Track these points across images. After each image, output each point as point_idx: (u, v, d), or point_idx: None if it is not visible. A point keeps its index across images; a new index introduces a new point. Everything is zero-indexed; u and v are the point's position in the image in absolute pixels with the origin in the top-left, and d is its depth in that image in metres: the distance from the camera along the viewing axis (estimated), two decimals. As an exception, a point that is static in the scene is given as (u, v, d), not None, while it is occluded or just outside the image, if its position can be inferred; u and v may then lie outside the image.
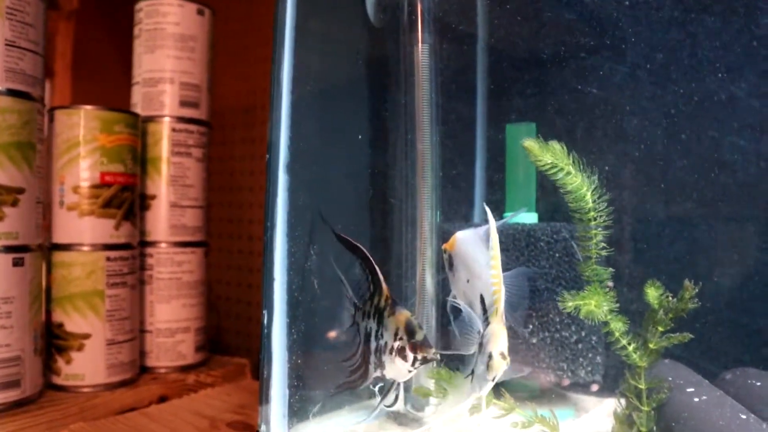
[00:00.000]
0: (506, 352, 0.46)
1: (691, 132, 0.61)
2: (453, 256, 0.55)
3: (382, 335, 0.50)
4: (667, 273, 0.56)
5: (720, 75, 0.59)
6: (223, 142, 1.25)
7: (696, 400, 0.54)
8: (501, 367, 0.45)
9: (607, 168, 0.64)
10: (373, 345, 0.51)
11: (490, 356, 0.45)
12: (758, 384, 0.58)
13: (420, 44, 0.62)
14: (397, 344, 0.48)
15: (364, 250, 0.51)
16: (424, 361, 0.47)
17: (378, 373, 0.51)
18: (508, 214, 0.67)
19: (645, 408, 0.56)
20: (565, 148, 0.53)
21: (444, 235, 0.62)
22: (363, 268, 0.52)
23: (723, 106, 0.59)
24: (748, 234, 0.61)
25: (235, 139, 1.25)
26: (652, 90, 0.63)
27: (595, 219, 0.55)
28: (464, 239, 0.53)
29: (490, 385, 0.47)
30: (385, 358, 0.49)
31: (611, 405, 0.62)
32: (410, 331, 0.47)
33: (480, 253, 0.51)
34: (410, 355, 0.47)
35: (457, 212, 0.69)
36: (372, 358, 0.51)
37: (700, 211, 0.63)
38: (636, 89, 0.64)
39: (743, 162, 0.59)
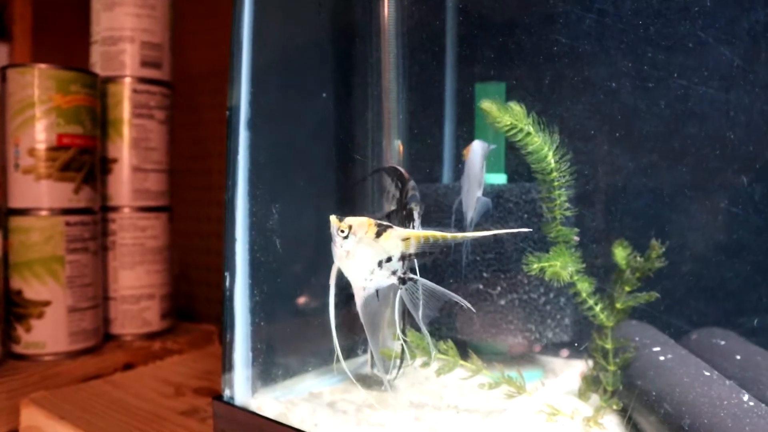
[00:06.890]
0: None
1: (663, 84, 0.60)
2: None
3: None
4: (634, 230, 0.56)
5: (693, 23, 0.57)
6: (191, 109, 1.21)
7: (662, 358, 0.54)
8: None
9: (578, 127, 0.62)
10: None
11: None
12: (722, 343, 0.59)
13: (387, -3, 0.59)
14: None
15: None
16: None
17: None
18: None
19: (611, 367, 0.56)
20: (524, 108, 0.52)
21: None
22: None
23: (699, 56, 0.58)
24: (718, 189, 0.60)
25: (203, 104, 1.21)
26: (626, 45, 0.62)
27: (557, 180, 0.55)
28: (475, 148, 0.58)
29: None
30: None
31: (579, 367, 0.62)
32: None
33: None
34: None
35: (424, 171, 0.67)
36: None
37: (668, 167, 0.63)
38: (609, 43, 0.62)
39: (713, 114, 0.57)
